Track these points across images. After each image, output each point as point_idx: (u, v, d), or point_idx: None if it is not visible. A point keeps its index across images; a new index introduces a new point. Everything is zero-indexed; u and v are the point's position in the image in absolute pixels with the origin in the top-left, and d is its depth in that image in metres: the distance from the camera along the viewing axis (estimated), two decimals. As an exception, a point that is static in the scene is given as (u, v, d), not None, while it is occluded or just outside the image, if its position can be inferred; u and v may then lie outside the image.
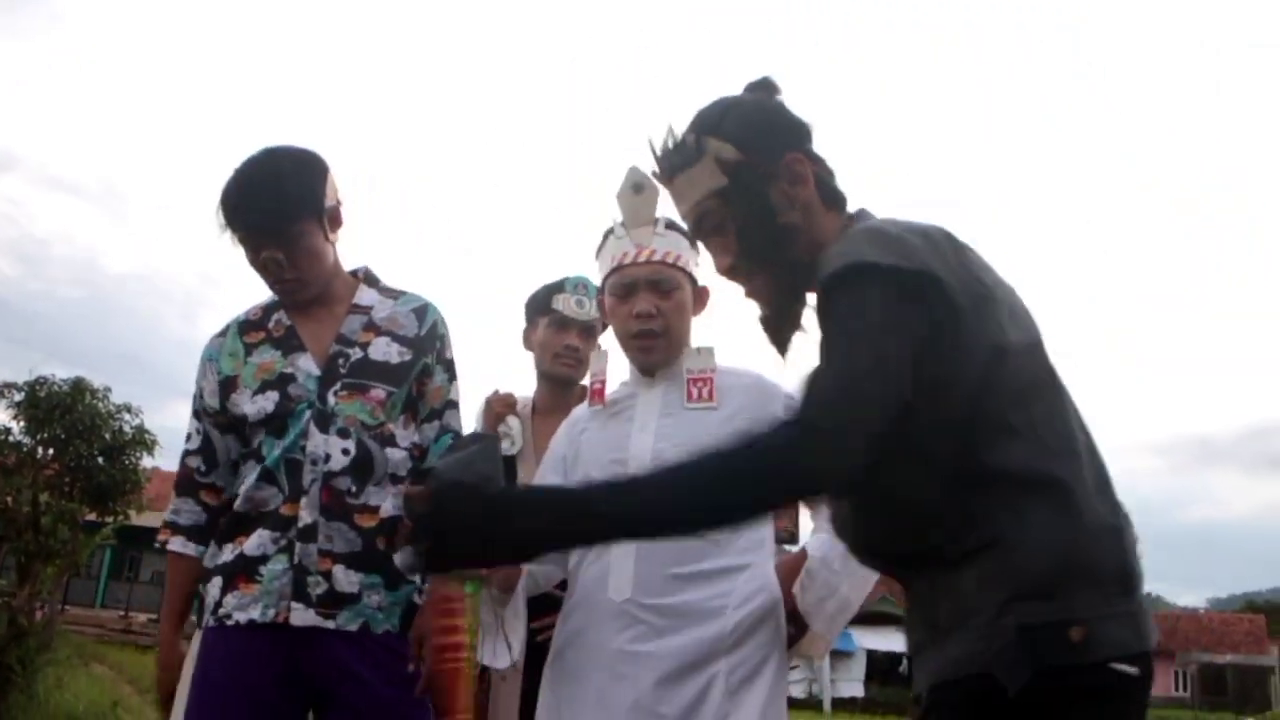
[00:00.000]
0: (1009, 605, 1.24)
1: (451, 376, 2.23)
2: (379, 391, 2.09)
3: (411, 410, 2.16)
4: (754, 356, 1.75)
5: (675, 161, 1.52)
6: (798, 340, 1.53)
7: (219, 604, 2.00)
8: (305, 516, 1.99)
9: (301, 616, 1.96)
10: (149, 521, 26.04)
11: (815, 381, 1.28)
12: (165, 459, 20.76)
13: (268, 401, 2.06)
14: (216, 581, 2.02)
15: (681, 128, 1.52)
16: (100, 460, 17.46)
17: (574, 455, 2.07)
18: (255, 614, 1.96)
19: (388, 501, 2.06)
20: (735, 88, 1.59)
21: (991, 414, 1.30)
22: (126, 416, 17.76)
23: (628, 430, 2.00)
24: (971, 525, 1.29)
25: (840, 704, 28.55)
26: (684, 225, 2.03)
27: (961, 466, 1.30)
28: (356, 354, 2.11)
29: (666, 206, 2.04)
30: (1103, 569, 1.27)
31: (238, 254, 2.11)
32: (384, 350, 2.13)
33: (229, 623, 1.97)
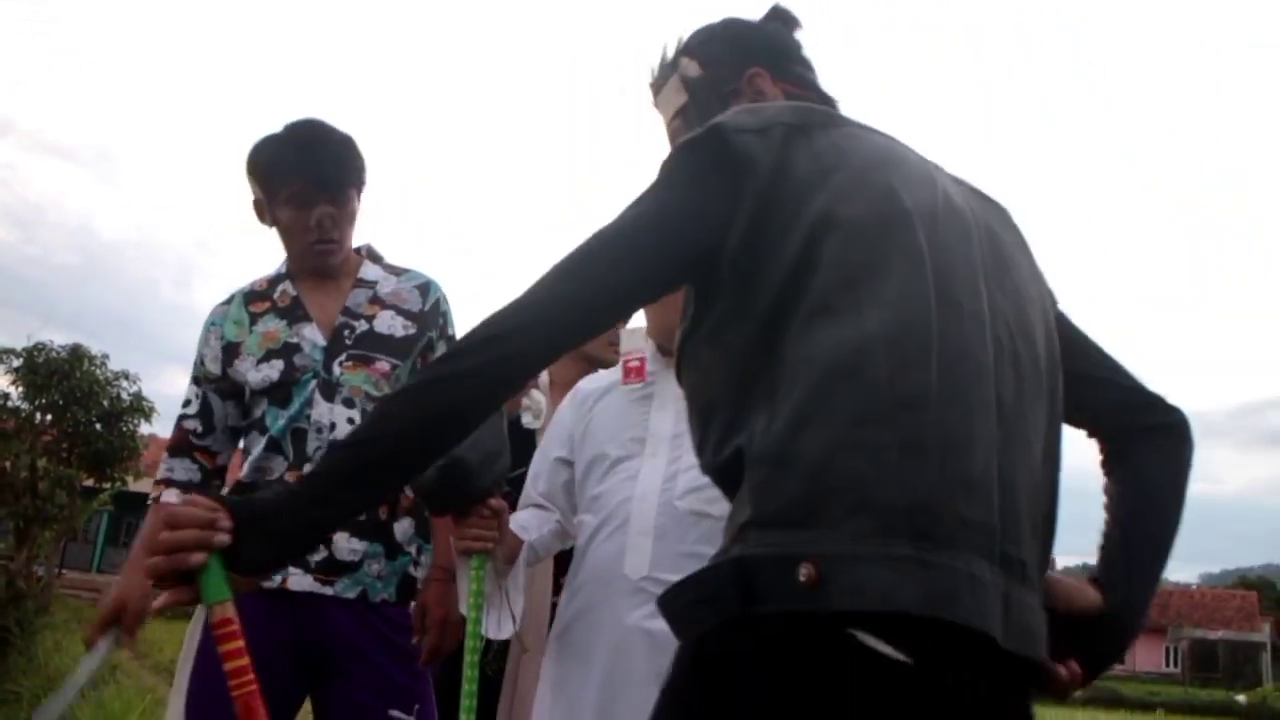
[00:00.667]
0: (744, 532, 0.98)
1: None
2: (383, 364, 2.10)
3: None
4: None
5: (656, 81, 1.48)
6: None
7: None
8: None
9: (299, 582, 1.96)
10: (146, 488, 26.14)
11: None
12: (162, 426, 20.91)
13: (272, 370, 2.07)
14: None
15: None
16: (98, 426, 17.55)
17: (583, 431, 2.05)
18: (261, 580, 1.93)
19: None
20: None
21: (807, 297, 1.03)
22: (124, 383, 17.86)
23: (647, 409, 1.98)
24: (732, 429, 1.06)
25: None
26: None
27: (753, 356, 1.06)
28: (362, 326, 2.13)
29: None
30: (892, 496, 0.93)
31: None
32: (389, 324, 2.14)
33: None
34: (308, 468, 1.99)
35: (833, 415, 0.96)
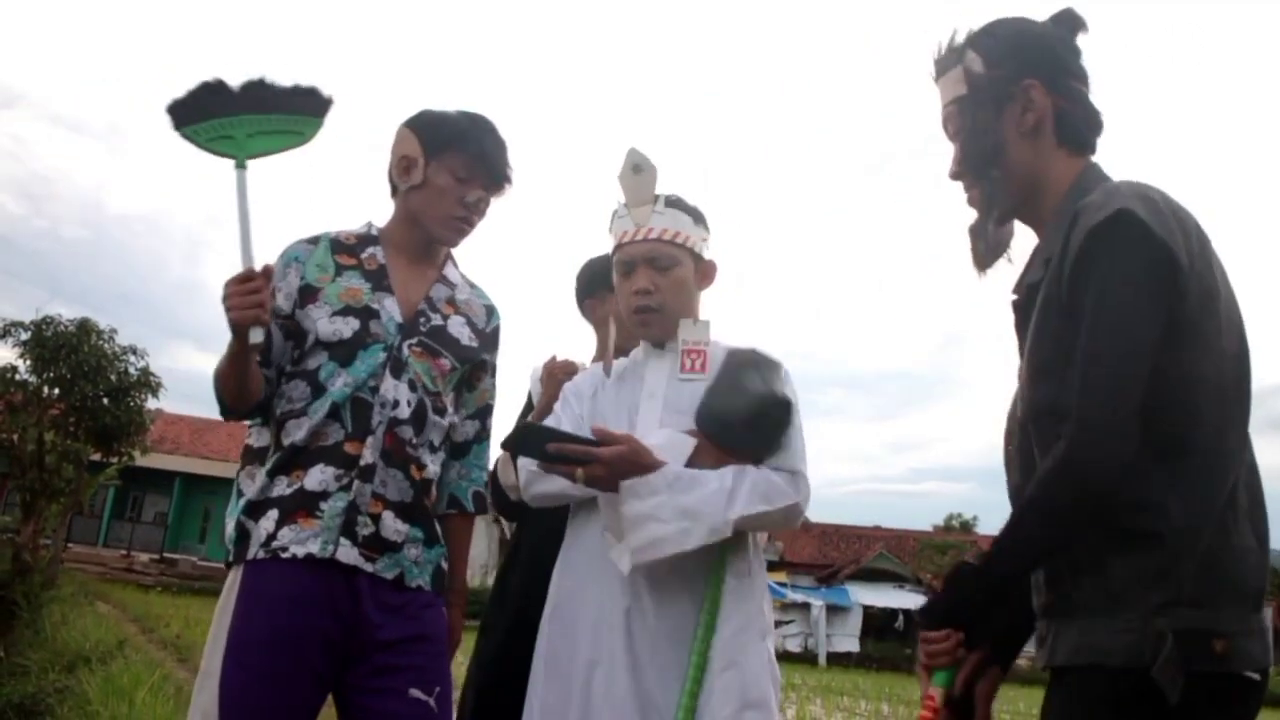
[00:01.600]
0: (1165, 609, 1.29)
1: (494, 382, 2.31)
2: (445, 361, 2.12)
3: (459, 391, 2.21)
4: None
5: (939, 66, 1.60)
6: (1000, 265, 1.59)
7: (273, 536, 1.95)
8: (367, 456, 1.99)
9: (347, 554, 1.95)
10: (152, 462, 26.18)
11: (1083, 367, 1.33)
12: (169, 401, 20.96)
13: (346, 326, 2.05)
14: (271, 515, 1.97)
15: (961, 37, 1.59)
16: (105, 401, 17.56)
17: (588, 415, 2.11)
18: (314, 548, 1.92)
19: (432, 462, 2.10)
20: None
21: (1190, 407, 1.34)
22: (132, 358, 17.87)
23: (637, 398, 2.06)
24: (1142, 508, 1.32)
25: (835, 659, 28.81)
26: (688, 203, 2.10)
27: (1150, 446, 1.32)
28: (437, 320, 2.15)
29: (666, 185, 2.08)
30: (1245, 586, 1.32)
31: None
32: (458, 329, 2.17)
33: (284, 555, 1.93)
34: (369, 440, 1.98)
35: (1220, 528, 1.33)
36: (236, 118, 1.98)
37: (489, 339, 2.24)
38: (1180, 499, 1.31)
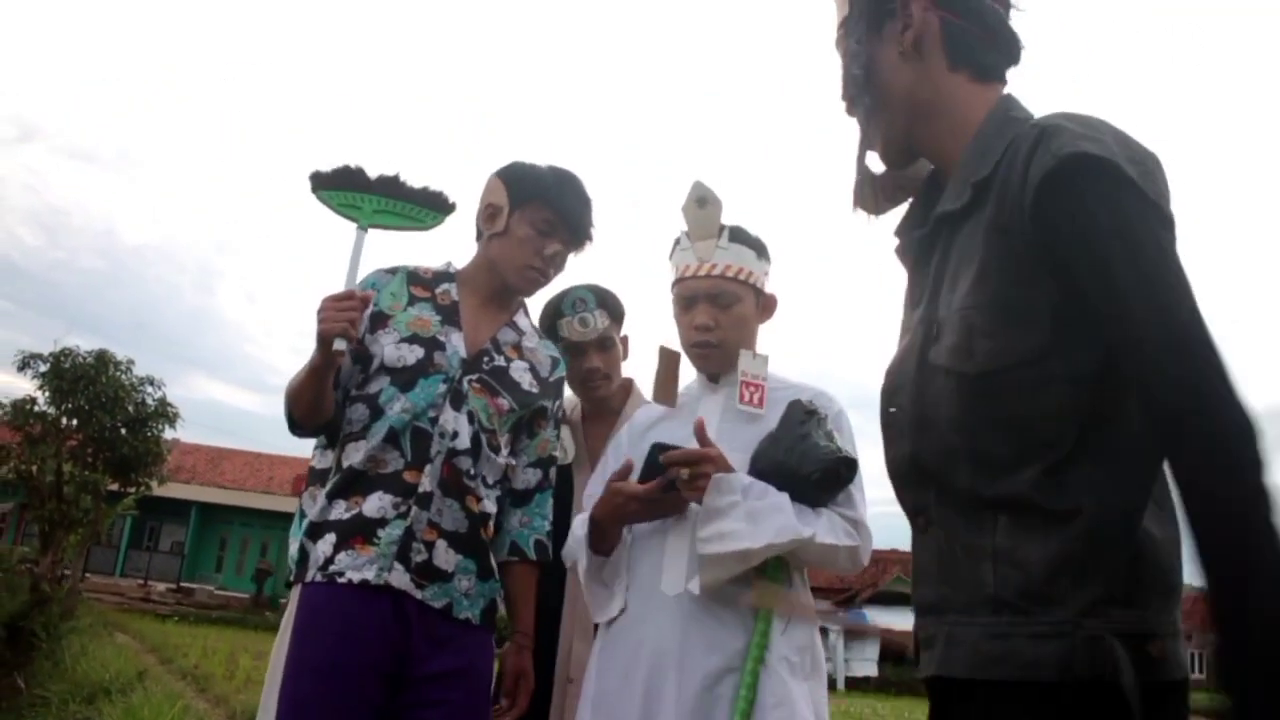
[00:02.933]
0: (1096, 608, 1.09)
1: (558, 434, 2.34)
2: (504, 402, 2.15)
3: (515, 434, 2.23)
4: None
5: None
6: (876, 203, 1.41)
7: (330, 560, 1.98)
8: (425, 484, 2.02)
9: (399, 579, 1.97)
10: (169, 492, 26.26)
11: (1152, 354, 1.06)
12: (185, 431, 21.00)
13: (410, 353, 2.10)
14: (329, 538, 2.01)
15: None
16: (123, 431, 17.71)
17: (641, 453, 2.06)
18: (370, 575, 1.96)
19: (488, 497, 2.12)
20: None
21: (1122, 382, 1.11)
22: (149, 389, 18.02)
23: (688, 432, 2.01)
24: (1062, 486, 1.12)
25: (854, 683, 28.61)
26: (751, 235, 2.09)
27: (1075, 419, 1.12)
28: (500, 361, 2.19)
29: (732, 217, 2.08)
30: (1172, 579, 1.14)
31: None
32: (520, 373, 2.21)
33: (340, 580, 1.96)
34: (428, 469, 2.02)
35: (1155, 513, 1.13)
36: (367, 195, 2.17)
37: (551, 387, 2.27)
38: (1107, 477, 1.11)
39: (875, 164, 1.41)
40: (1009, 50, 1.33)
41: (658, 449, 1.92)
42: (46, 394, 17.00)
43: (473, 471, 2.08)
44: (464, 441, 2.06)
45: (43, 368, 16.91)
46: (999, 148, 1.20)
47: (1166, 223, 1.11)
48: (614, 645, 1.97)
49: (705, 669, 1.85)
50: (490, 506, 2.12)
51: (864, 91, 1.35)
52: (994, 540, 1.14)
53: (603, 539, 2.01)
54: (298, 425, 2.11)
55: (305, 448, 2.42)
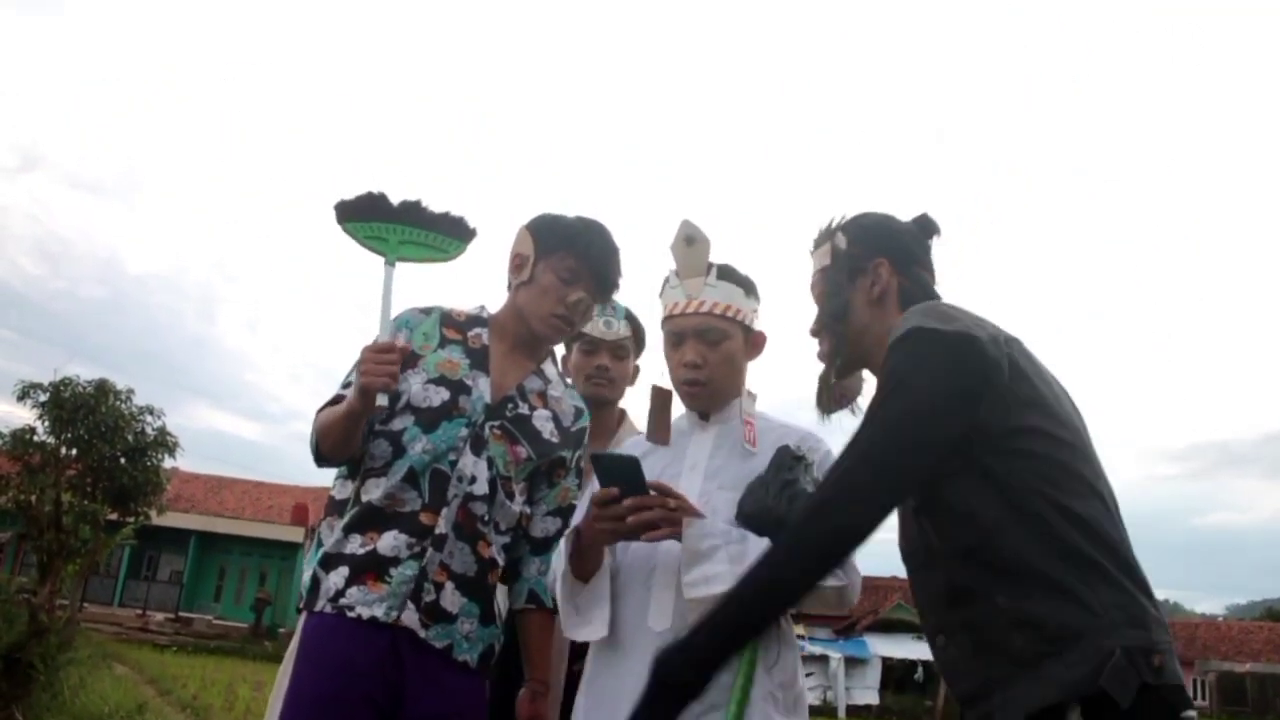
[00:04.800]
0: (1112, 632, 1.44)
1: (577, 482, 2.35)
2: (522, 450, 2.18)
3: (533, 482, 2.26)
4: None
5: (816, 242, 1.92)
6: (837, 414, 1.88)
7: (341, 593, 2.01)
8: (441, 526, 2.05)
9: (409, 618, 2.00)
10: (168, 521, 26.18)
11: (849, 446, 1.55)
12: (185, 460, 20.99)
13: (436, 395, 2.13)
14: (342, 571, 2.03)
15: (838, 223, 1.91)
16: (122, 461, 17.69)
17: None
18: (379, 612, 1.99)
19: (497, 543, 2.15)
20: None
21: (1064, 464, 1.54)
22: (149, 418, 18.01)
23: (679, 469, 2.06)
24: (1065, 557, 1.49)
25: (855, 711, 28.47)
26: (739, 274, 2.14)
27: (1045, 508, 1.51)
28: (523, 409, 2.22)
29: (719, 255, 2.12)
30: (1158, 612, 1.51)
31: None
32: (542, 422, 2.24)
33: (349, 614, 1.99)
34: (444, 513, 2.06)
35: (1130, 574, 1.52)
36: (391, 225, 2.20)
37: (572, 437, 2.30)
38: (1071, 545, 1.49)
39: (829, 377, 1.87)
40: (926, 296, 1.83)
41: (618, 461, 1.92)
42: (46, 423, 16.99)
43: (486, 517, 2.11)
44: (481, 487, 2.10)
45: (42, 397, 16.91)
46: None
47: (948, 343, 1.55)
48: (601, 680, 1.98)
49: (691, 705, 1.85)
50: (498, 552, 2.14)
51: (837, 323, 1.82)
52: (1005, 617, 1.50)
53: (584, 560, 2.00)
54: (324, 459, 2.14)
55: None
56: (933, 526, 1.61)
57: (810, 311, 1.90)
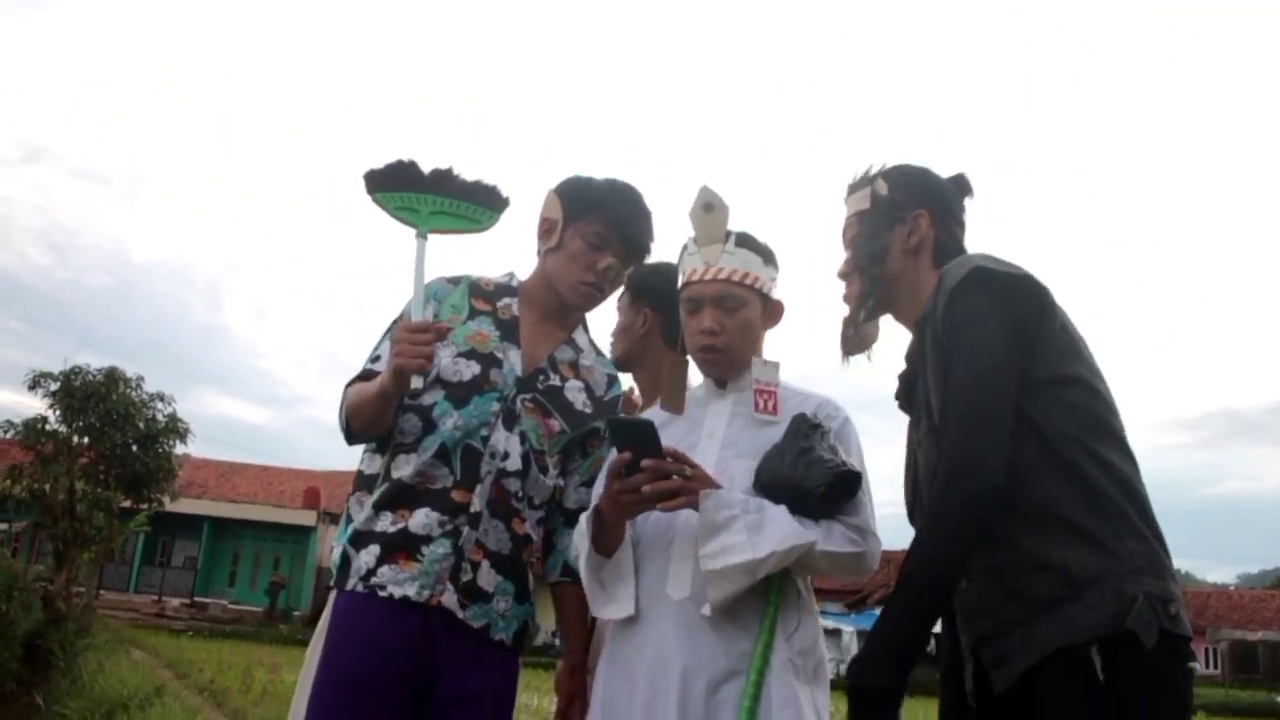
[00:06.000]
0: (1131, 577, 1.52)
1: (612, 451, 2.32)
2: (555, 423, 2.15)
3: (567, 454, 2.22)
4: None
5: (852, 187, 1.97)
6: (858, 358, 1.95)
7: (372, 572, 1.99)
8: (476, 504, 2.03)
9: (449, 599, 1.98)
10: (181, 508, 26.29)
11: (948, 410, 1.61)
12: (196, 446, 21.12)
13: (467, 369, 2.10)
14: (373, 549, 2.01)
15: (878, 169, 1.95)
16: (134, 448, 17.75)
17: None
18: (410, 591, 1.96)
19: (531, 518, 2.13)
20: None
21: (1101, 418, 1.63)
22: (159, 405, 18.07)
23: (696, 438, 2.04)
24: (1090, 504, 1.57)
25: (868, 683, 28.44)
26: (758, 241, 2.09)
27: (1081, 456, 1.59)
28: (555, 381, 2.19)
29: (738, 223, 2.09)
30: (1172, 568, 1.59)
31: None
32: (575, 393, 2.21)
33: (381, 594, 1.97)
34: (478, 490, 2.02)
35: (1149, 520, 1.61)
36: (422, 195, 2.10)
37: (605, 406, 2.25)
38: (1096, 494, 1.57)
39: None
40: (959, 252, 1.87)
41: (634, 425, 1.89)
42: (57, 412, 17.08)
43: (520, 493, 2.09)
44: (514, 463, 2.07)
45: (53, 386, 16.98)
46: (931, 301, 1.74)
47: (1013, 286, 1.64)
48: (621, 649, 1.97)
49: (711, 673, 1.86)
50: (533, 528, 2.12)
51: (874, 266, 1.87)
52: (1028, 559, 1.58)
53: (606, 535, 1.97)
54: (355, 436, 2.11)
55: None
56: None
57: (836, 257, 1.93)
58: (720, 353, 2.06)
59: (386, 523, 2.03)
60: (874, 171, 1.94)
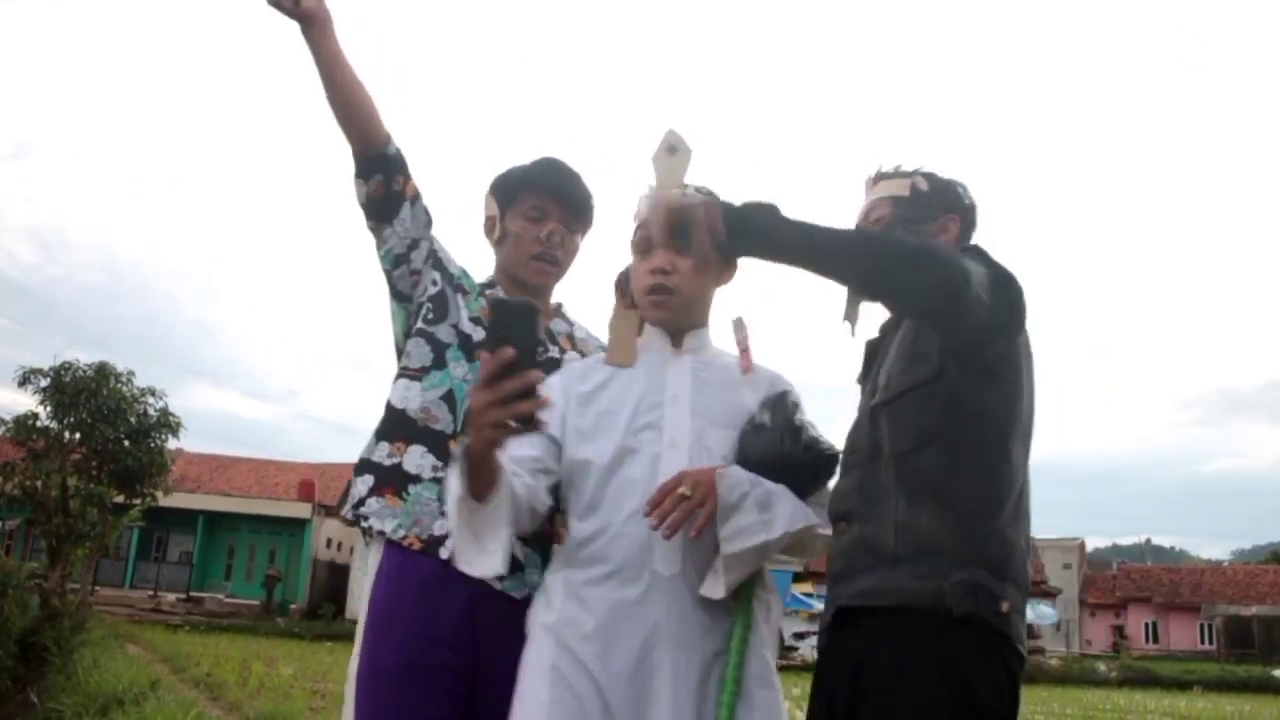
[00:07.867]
0: (964, 564, 1.66)
1: None
2: None
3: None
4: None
5: (887, 172, 2.07)
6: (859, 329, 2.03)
7: (362, 501, 2.03)
8: None
9: (445, 550, 1.97)
10: (175, 502, 26.22)
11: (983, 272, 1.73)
12: (189, 440, 21.08)
13: (478, 332, 2.15)
14: (367, 479, 2.05)
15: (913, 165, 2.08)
16: (126, 443, 17.67)
17: (591, 423, 1.94)
18: (388, 528, 1.99)
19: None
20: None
21: (1020, 421, 1.80)
22: (151, 400, 17.97)
23: (659, 398, 1.94)
24: (955, 485, 1.72)
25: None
26: (716, 194, 1.87)
27: (996, 452, 1.75)
28: (554, 353, 2.22)
29: (699, 174, 2.01)
30: (1023, 578, 1.74)
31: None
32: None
33: (364, 524, 2.01)
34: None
35: (1018, 525, 1.76)
36: None
37: None
38: (984, 490, 1.72)
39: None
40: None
41: (498, 304, 1.56)
42: (48, 408, 16.98)
43: None
44: None
45: (43, 382, 16.89)
46: None
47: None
48: (617, 626, 1.82)
49: (704, 651, 1.82)
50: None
51: None
52: (896, 517, 1.73)
53: (476, 474, 1.62)
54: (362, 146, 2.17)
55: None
56: (891, 426, 1.80)
57: None
58: (670, 294, 1.94)
59: (383, 454, 2.05)
60: (914, 168, 2.05)
